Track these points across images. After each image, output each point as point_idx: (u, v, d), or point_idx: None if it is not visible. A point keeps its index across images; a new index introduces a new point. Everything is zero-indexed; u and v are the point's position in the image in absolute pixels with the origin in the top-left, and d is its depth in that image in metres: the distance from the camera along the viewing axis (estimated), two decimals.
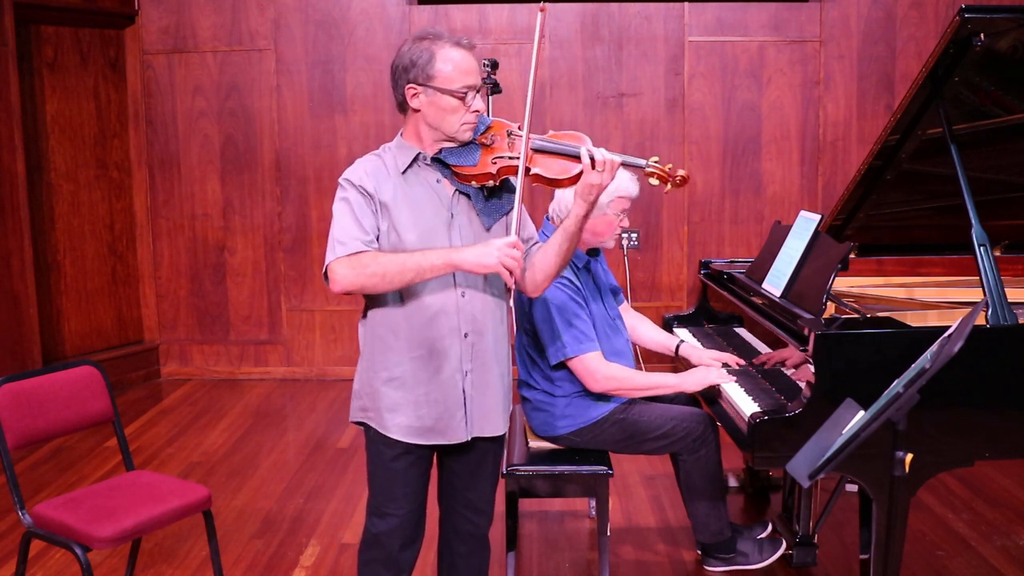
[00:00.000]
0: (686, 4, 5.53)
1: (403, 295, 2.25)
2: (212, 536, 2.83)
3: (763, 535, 3.30)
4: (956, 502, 3.76)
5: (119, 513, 2.62)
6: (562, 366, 2.97)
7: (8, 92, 4.88)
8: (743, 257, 4.13)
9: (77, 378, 2.87)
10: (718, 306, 3.64)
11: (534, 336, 3.00)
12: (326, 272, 2.20)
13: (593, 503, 3.64)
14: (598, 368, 2.92)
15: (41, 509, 2.67)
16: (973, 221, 2.68)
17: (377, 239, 2.22)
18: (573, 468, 2.96)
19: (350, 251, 2.16)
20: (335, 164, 5.68)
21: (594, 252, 3.15)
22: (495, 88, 4.16)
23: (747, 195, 5.68)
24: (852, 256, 3.54)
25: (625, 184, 3.00)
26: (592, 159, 2.18)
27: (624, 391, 2.98)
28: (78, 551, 2.55)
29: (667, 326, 3.74)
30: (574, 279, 2.97)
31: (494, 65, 4.46)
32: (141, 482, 2.86)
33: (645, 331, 3.42)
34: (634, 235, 5.65)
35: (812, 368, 2.51)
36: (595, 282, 3.11)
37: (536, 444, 3.08)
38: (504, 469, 2.97)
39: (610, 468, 2.96)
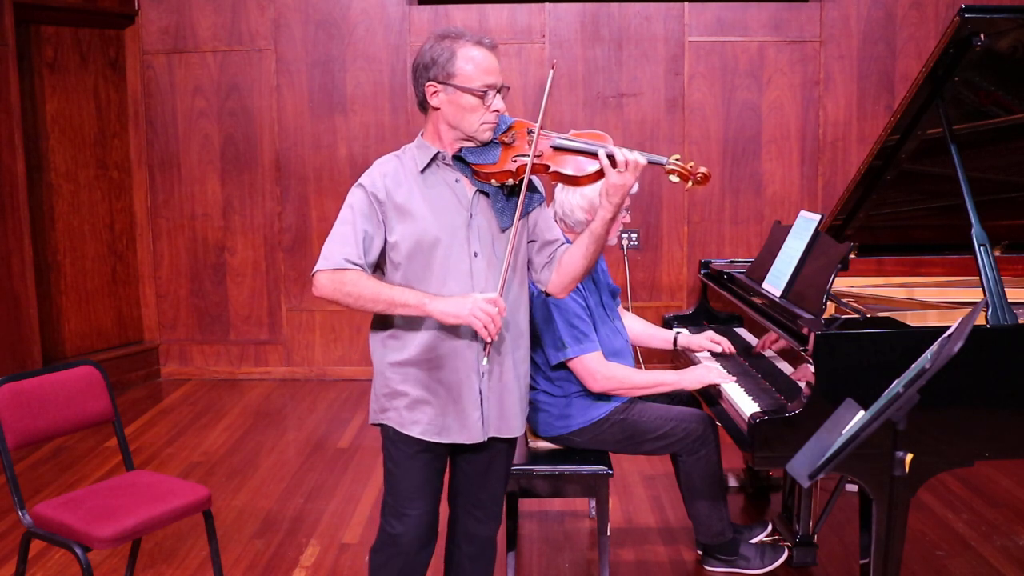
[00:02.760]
0: (686, 4, 5.53)
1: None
2: (212, 536, 2.83)
3: (763, 535, 3.30)
4: (956, 502, 3.76)
5: (119, 513, 2.62)
6: (562, 366, 2.97)
7: (8, 92, 4.88)
8: (743, 257, 4.13)
9: (77, 378, 2.87)
10: (718, 306, 3.64)
11: (534, 336, 3.00)
12: (312, 277, 2.28)
13: (593, 503, 3.64)
14: (598, 368, 2.92)
15: (41, 509, 2.67)
16: (973, 221, 2.67)
17: (384, 249, 2.26)
18: (573, 468, 2.96)
19: (332, 266, 2.22)
20: (335, 164, 5.68)
21: None
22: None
23: (747, 195, 5.68)
24: (852, 256, 3.54)
25: None
26: (613, 159, 2.18)
27: (624, 390, 2.98)
28: (78, 551, 2.55)
29: (667, 326, 3.74)
30: None
31: None
32: (141, 482, 2.86)
33: (643, 330, 3.42)
34: (634, 235, 5.65)
35: (812, 368, 2.51)
36: (595, 282, 3.11)
37: (536, 444, 3.08)
38: None
39: (610, 468, 2.96)
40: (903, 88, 5.42)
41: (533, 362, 3.02)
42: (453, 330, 2.26)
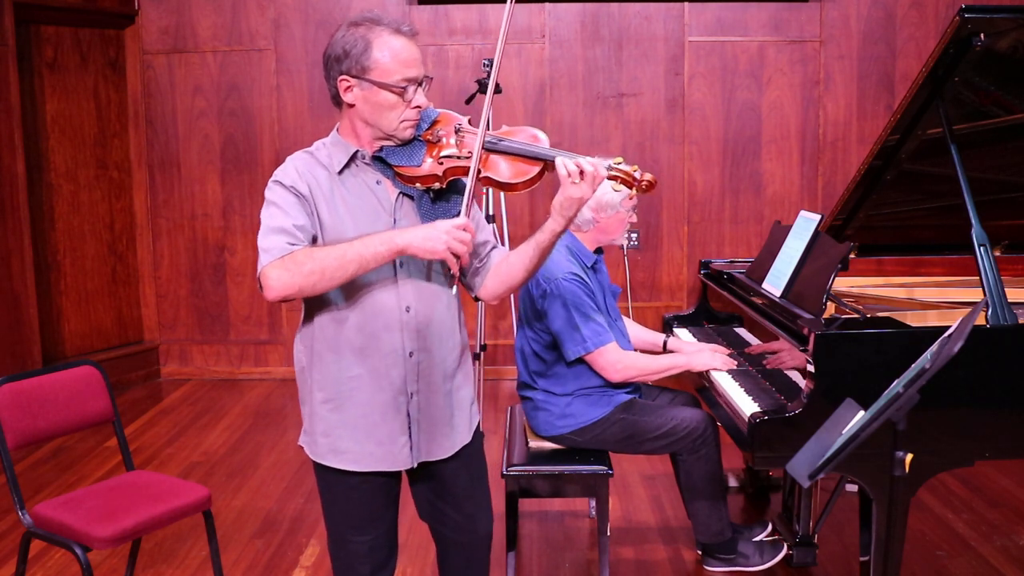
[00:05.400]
0: (686, 4, 5.53)
1: (341, 309, 2.05)
2: (212, 536, 2.83)
3: (763, 535, 3.30)
4: (956, 502, 3.76)
5: (119, 513, 2.62)
6: (572, 363, 2.97)
7: (8, 92, 4.88)
8: (743, 257, 4.13)
9: (77, 378, 2.87)
10: (718, 306, 3.64)
11: (541, 334, 3.00)
12: (260, 280, 1.96)
13: (593, 503, 3.64)
14: (618, 359, 2.95)
15: (41, 509, 2.67)
16: (973, 221, 2.67)
17: (313, 240, 2.02)
18: (573, 468, 2.96)
19: (279, 255, 1.93)
20: None
21: (597, 251, 3.16)
22: (496, 89, 4.16)
23: (747, 195, 5.68)
24: (852, 256, 3.54)
25: None
26: (573, 170, 1.97)
27: (642, 377, 3.02)
28: (78, 551, 2.56)
29: (667, 326, 3.74)
30: (585, 277, 2.98)
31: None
32: (141, 482, 2.86)
33: (635, 332, 3.42)
34: (634, 235, 5.65)
35: (812, 368, 2.51)
36: (599, 283, 3.12)
37: (536, 444, 3.08)
38: (504, 469, 2.97)
39: (610, 468, 2.96)
40: (903, 88, 5.42)
41: (539, 359, 3.03)
42: (380, 350, 2.06)
